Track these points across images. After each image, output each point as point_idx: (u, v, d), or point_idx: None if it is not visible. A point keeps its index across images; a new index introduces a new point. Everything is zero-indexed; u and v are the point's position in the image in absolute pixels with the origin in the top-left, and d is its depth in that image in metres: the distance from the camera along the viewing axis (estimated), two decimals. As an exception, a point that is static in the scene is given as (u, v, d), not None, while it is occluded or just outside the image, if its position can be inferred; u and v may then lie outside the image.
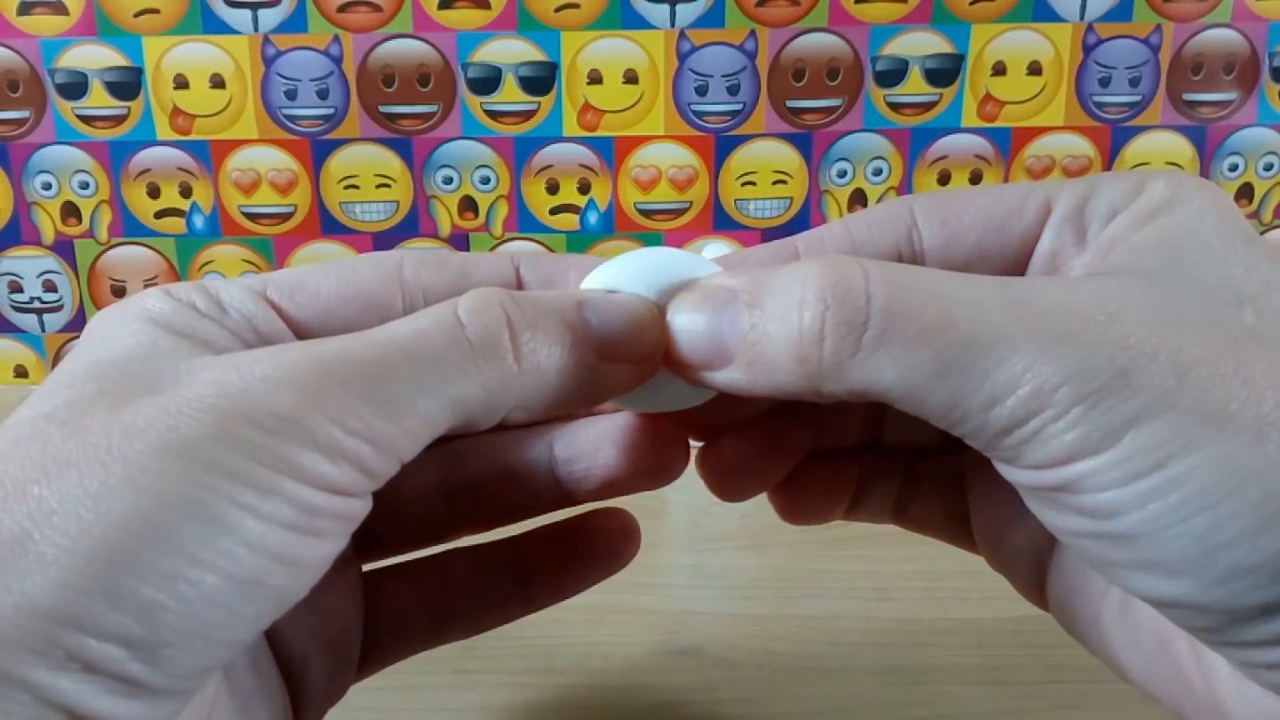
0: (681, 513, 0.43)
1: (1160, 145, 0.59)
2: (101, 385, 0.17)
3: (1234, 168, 0.59)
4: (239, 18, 0.56)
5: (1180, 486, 0.15)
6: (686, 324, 0.19)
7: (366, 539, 0.24)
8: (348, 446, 0.16)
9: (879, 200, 0.60)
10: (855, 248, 0.20)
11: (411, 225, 0.60)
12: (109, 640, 0.14)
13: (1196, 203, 0.18)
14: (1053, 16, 0.57)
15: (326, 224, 0.60)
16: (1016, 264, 0.20)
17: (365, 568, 0.25)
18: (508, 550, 0.25)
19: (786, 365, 0.17)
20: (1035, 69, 0.58)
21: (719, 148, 0.59)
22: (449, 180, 0.59)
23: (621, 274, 0.20)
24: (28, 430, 0.16)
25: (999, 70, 0.58)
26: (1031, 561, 0.23)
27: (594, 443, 0.23)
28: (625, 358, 0.19)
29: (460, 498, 0.24)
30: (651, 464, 0.23)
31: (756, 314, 0.18)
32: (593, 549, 0.25)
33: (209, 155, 0.58)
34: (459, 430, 0.18)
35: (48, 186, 0.58)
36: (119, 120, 0.57)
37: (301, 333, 0.21)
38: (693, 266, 0.20)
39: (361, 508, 0.17)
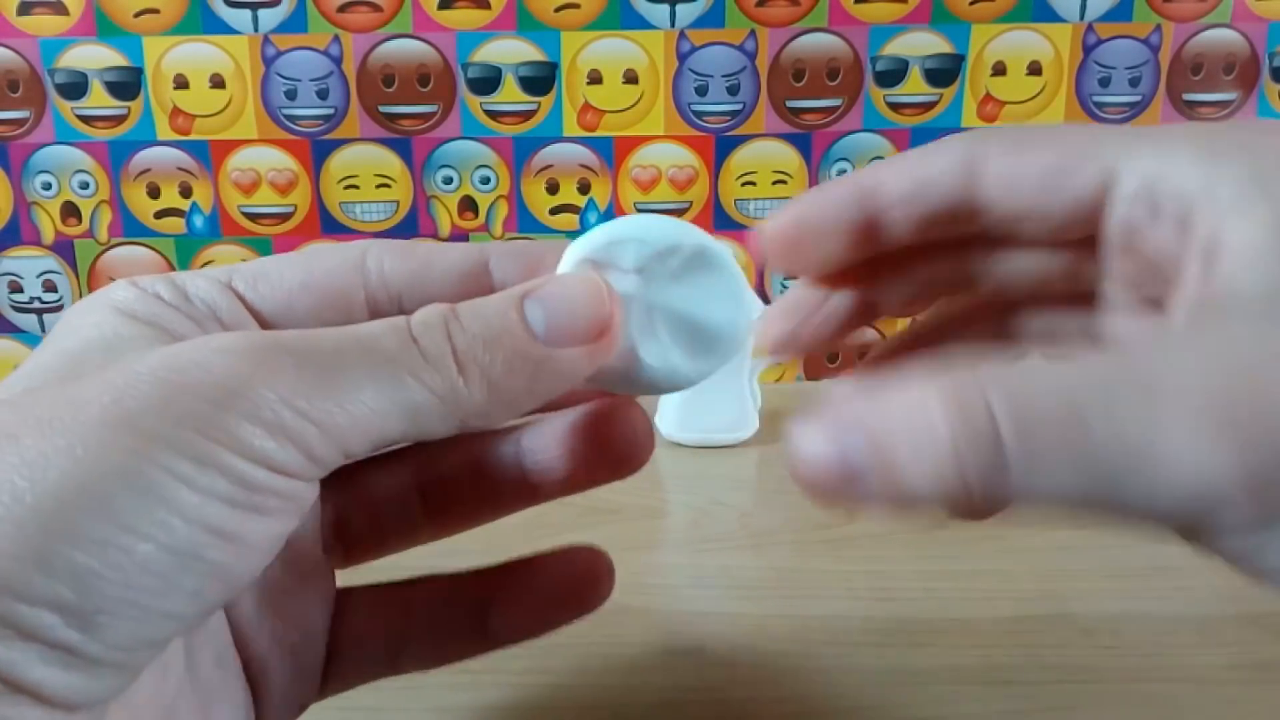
0: (681, 513, 0.43)
1: (1160, 145, 0.59)
2: (60, 371, 0.17)
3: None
4: (239, 18, 0.56)
5: None
6: (810, 453, 0.16)
7: (344, 539, 0.24)
8: (292, 425, 0.16)
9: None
10: (917, 187, 0.20)
11: (411, 225, 0.60)
12: (42, 605, 0.14)
13: None
14: (1053, 16, 0.57)
15: (326, 224, 0.60)
16: (1073, 219, 0.19)
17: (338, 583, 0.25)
18: (472, 583, 0.25)
19: (937, 500, 0.16)
20: (1035, 69, 0.58)
21: (719, 148, 0.59)
22: (449, 180, 0.59)
23: (597, 247, 0.20)
24: None
25: (999, 70, 0.58)
26: None
27: (558, 435, 0.23)
28: (574, 341, 0.19)
29: (433, 495, 0.24)
30: (614, 454, 0.23)
31: (884, 456, 0.16)
32: (558, 589, 0.25)
33: (209, 155, 0.58)
34: (416, 437, 0.18)
35: (48, 186, 0.58)
36: (119, 120, 0.57)
37: (265, 322, 0.21)
38: (672, 231, 0.20)
39: (307, 491, 0.17)
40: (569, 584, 0.25)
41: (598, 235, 0.20)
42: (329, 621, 0.24)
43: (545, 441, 0.23)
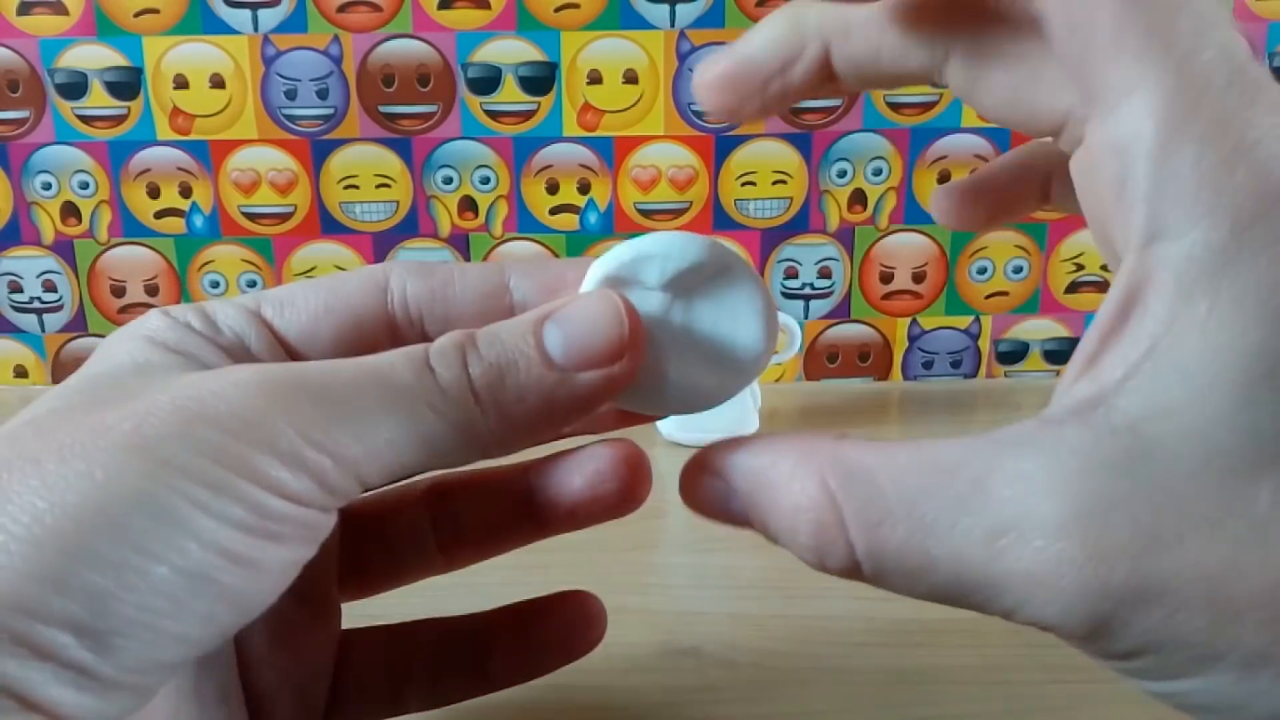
0: (681, 513, 0.43)
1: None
2: (88, 396, 0.17)
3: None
4: (239, 18, 0.56)
5: (1209, 694, 0.15)
6: (694, 503, 0.19)
7: (358, 570, 0.24)
8: (309, 457, 0.16)
9: (878, 201, 0.60)
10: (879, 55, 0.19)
11: (411, 225, 0.60)
12: (57, 626, 0.15)
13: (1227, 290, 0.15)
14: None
15: (326, 224, 0.60)
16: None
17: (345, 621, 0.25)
18: (471, 626, 0.25)
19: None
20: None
21: (719, 148, 0.59)
22: (449, 180, 0.59)
23: (621, 263, 0.20)
24: (4, 434, 0.17)
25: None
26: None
27: (564, 472, 0.23)
28: (594, 365, 0.19)
29: (445, 527, 0.24)
30: (616, 496, 0.23)
31: (762, 527, 0.18)
32: (553, 636, 0.25)
33: (209, 155, 0.58)
34: (435, 466, 0.18)
35: (48, 186, 0.58)
36: (119, 120, 0.57)
37: (290, 348, 0.21)
38: (697, 247, 0.20)
39: (324, 520, 0.17)
40: (563, 631, 0.25)
41: (622, 251, 0.20)
42: (334, 660, 0.25)
43: (552, 479, 0.23)
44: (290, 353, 0.21)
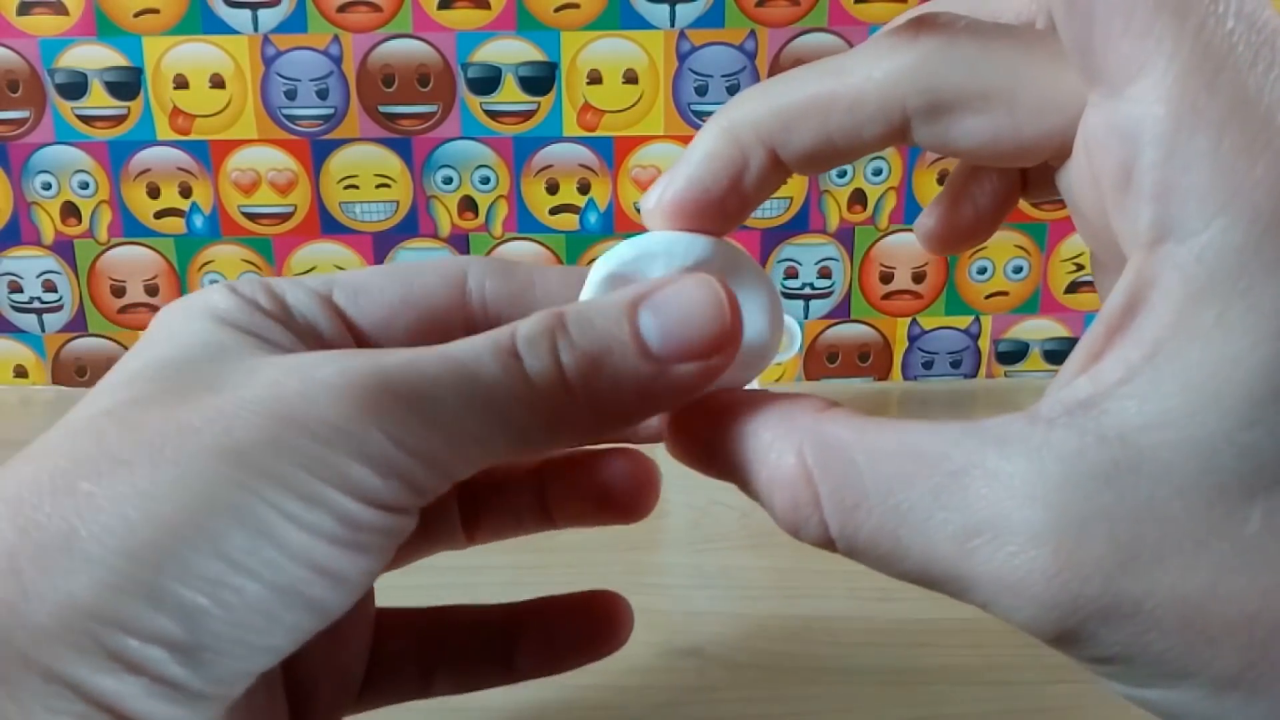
0: (681, 513, 0.43)
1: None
2: (164, 384, 0.17)
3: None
4: (239, 18, 0.56)
5: (1177, 704, 0.15)
6: (682, 456, 0.19)
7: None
8: (400, 463, 0.16)
9: (878, 201, 0.60)
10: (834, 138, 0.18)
11: (411, 225, 0.60)
12: (151, 641, 0.14)
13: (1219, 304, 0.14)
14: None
15: (326, 224, 0.60)
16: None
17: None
18: (501, 618, 0.25)
19: None
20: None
21: (719, 148, 0.59)
22: (449, 180, 0.59)
23: (624, 261, 0.19)
24: (85, 426, 0.16)
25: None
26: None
27: (576, 478, 0.23)
28: (691, 357, 0.17)
29: (466, 509, 0.24)
30: (622, 504, 0.23)
31: (745, 486, 0.18)
32: (580, 633, 0.25)
33: (209, 155, 0.58)
34: (523, 456, 0.18)
35: (48, 186, 0.58)
36: (119, 120, 0.57)
37: (362, 338, 0.20)
38: (702, 245, 0.19)
39: (407, 524, 0.17)
40: (591, 630, 0.25)
41: (625, 250, 0.20)
42: (370, 643, 0.24)
43: (564, 479, 0.23)
44: (361, 341, 0.20)
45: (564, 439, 0.18)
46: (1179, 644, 0.14)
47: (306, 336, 0.19)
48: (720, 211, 0.19)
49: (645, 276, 0.20)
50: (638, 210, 0.59)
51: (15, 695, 0.14)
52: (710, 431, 0.18)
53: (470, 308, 0.21)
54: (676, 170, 0.19)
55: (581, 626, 0.25)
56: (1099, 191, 0.16)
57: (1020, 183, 0.20)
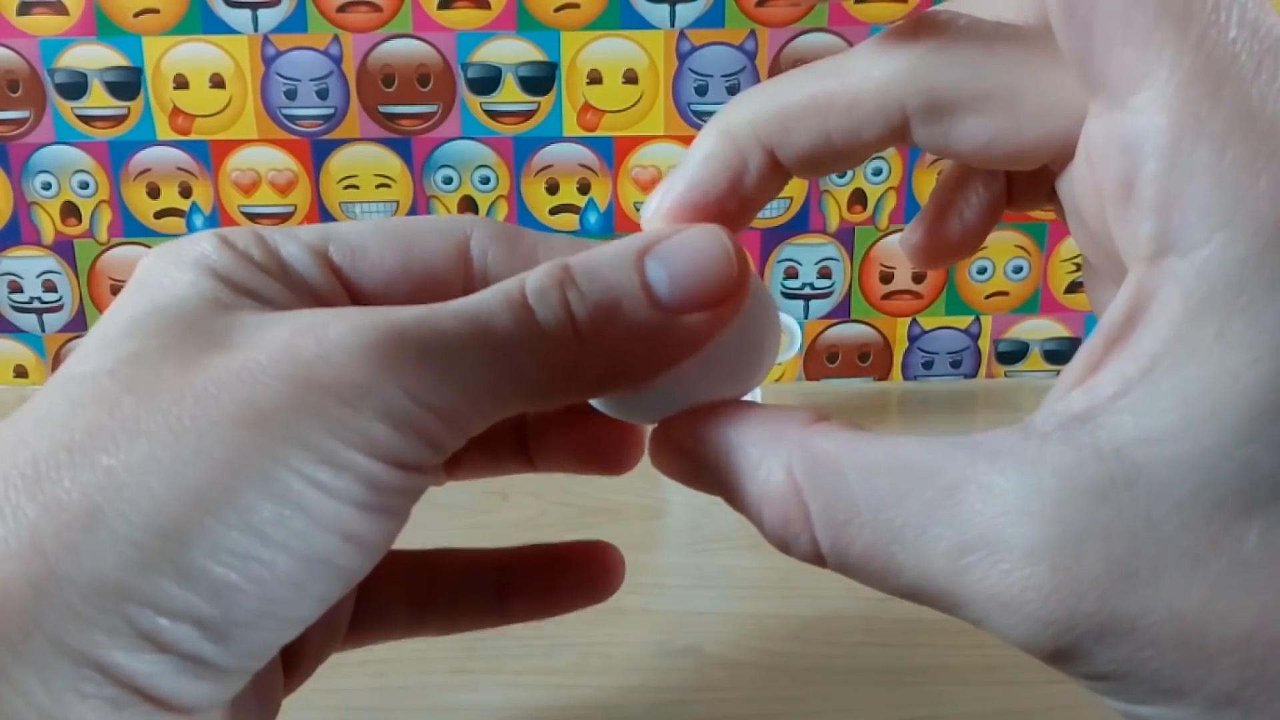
0: (681, 513, 0.43)
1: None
2: (164, 339, 0.16)
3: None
4: (239, 18, 0.56)
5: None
6: (665, 468, 0.19)
7: None
8: (419, 419, 0.16)
9: (878, 201, 0.60)
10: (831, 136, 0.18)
11: (411, 225, 0.60)
12: (181, 619, 0.14)
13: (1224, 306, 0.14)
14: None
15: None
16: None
17: None
18: (493, 562, 0.25)
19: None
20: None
21: (719, 148, 0.59)
22: (449, 180, 0.59)
23: None
24: (91, 389, 0.15)
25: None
26: None
27: (559, 420, 0.23)
28: (701, 306, 0.17)
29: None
30: (604, 454, 0.23)
31: (732, 501, 0.18)
32: (572, 579, 0.25)
33: (209, 155, 0.58)
34: (537, 407, 0.18)
35: (48, 186, 0.58)
36: (119, 120, 0.57)
37: (360, 299, 0.20)
38: None
39: (425, 483, 0.17)
40: (584, 577, 0.25)
41: None
42: (360, 584, 0.24)
43: (546, 426, 0.23)
44: (357, 300, 0.20)
45: (575, 391, 0.18)
46: (1175, 662, 0.14)
47: (302, 292, 0.19)
48: (720, 215, 0.19)
49: None
50: (638, 210, 0.59)
51: (46, 681, 0.14)
52: (696, 445, 0.18)
53: (472, 276, 0.20)
54: (676, 175, 0.19)
55: (575, 572, 0.25)
56: (1100, 200, 0.16)
57: (1006, 194, 0.20)
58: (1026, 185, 0.20)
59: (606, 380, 0.18)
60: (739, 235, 0.19)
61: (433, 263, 0.20)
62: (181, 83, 0.57)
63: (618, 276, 0.17)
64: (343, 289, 0.20)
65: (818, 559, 0.16)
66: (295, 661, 0.23)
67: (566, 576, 0.25)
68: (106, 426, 0.15)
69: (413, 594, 0.25)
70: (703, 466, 0.18)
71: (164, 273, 0.18)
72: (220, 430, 0.15)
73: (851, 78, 0.17)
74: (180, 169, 0.58)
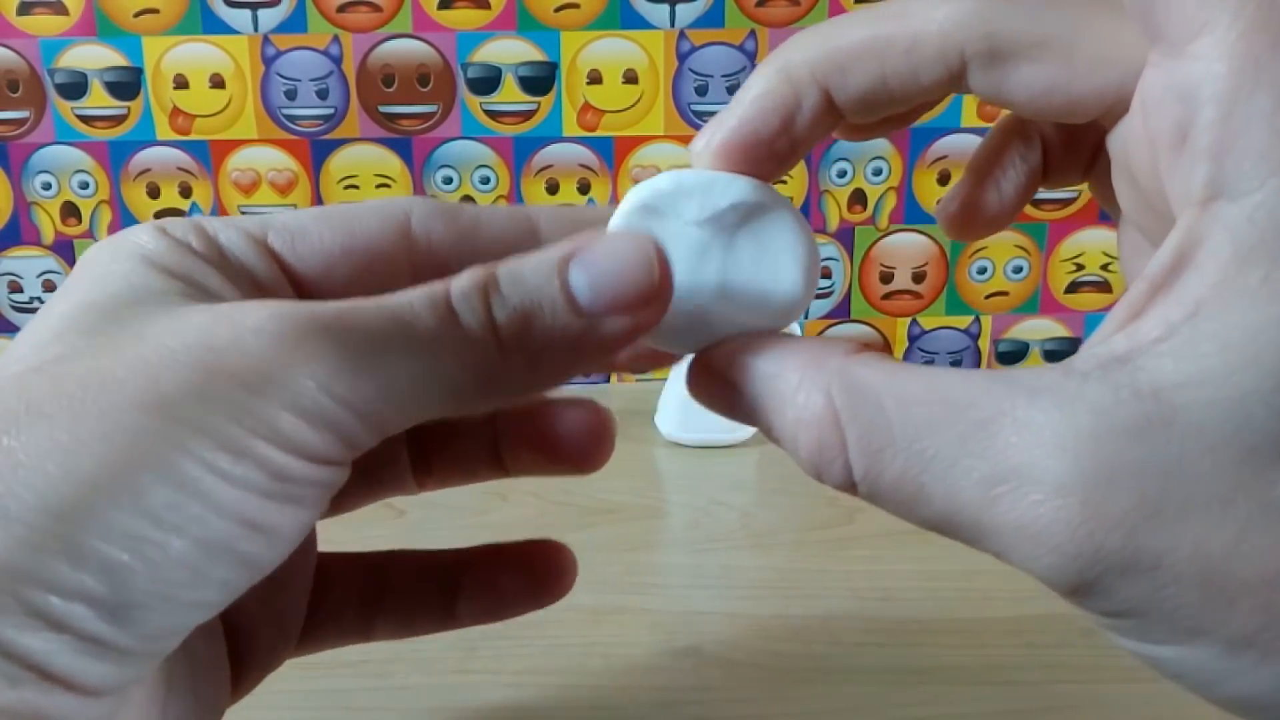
0: (681, 513, 0.43)
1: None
2: (90, 334, 0.16)
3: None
4: (239, 18, 0.56)
5: (1187, 664, 0.15)
6: (701, 397, 0.19)
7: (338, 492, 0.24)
8: (330, 413, 0.16)
9: (878, 201, 0.60)
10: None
11: (411, 225, 0.60)
12: (74, 599, 0.14)
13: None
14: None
15: (326, 224, 0.60)
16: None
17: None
18: (441, 564, 0.25)
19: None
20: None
21: (719, 148, 0.59)
22: (449, 180, 0.59)
23: (661, 193, 0.19)
24: (13, 384, 0.16)
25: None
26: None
27: (528, 423, 0.23)
28: (621, 310, 0.18)
29: (415, 455, 0.24)
30: (575, 454, 0.23)
31: (766, 430, 0.18)
32: (519, 581, 0.25)
33: (209, 155, 0.58)
34: (456, 411, 0.18)
35: (48, 186, 0.58)
36: (119, 120, 0.57)
37: (300, 284, 0.20)
38: (741, 186, 0.19)
39: (340, 476, 0.17)
40: (532, 580, 0.25)
41: (662, 182, 0.19)
42: (310, 588, 0.24)
43: (518, 427, 0.23)
44: (299, 288, 0.20)
45: (496, 394, 0.18)
46: (1197, 601, 0.14)
47: (241, 281, 0.19)
48: (770, 154, 0.19)
49: (678, 214, 0.19)
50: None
51: None
52: (735, 372, 0.18)
53: (415, 252, 0.20)
54: (727, 112, 0.19)
55: (524, 575, 0.25)
56: (1153, 152, 0.16)
57: (1043, 167, 0.20)
58: (1063, 157, 0.20)
59: (526, 384, 0.18)
60: (786, 174, 0.19)
61: (374, 243, 0.20)
62: (181, 83, 0.57)
63: (540, 282, 0.17)
64: (283, 275, 0.20)
65: (849, 486, 0.16)
66: (243, 667, 0.23)
67: (512, 578, 0.25)
68: (13, 409, 0.15)
69: (364, 596, 0.25)
70: (740, 394, 0.18)
71: (101, 264, 0.18)
72: (121, 414, 0.15)
73: (912, 21, 0.17)
74: (180, 169, 0.58)
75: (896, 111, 0.19)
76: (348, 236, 0.20)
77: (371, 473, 0.24)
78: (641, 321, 0.18)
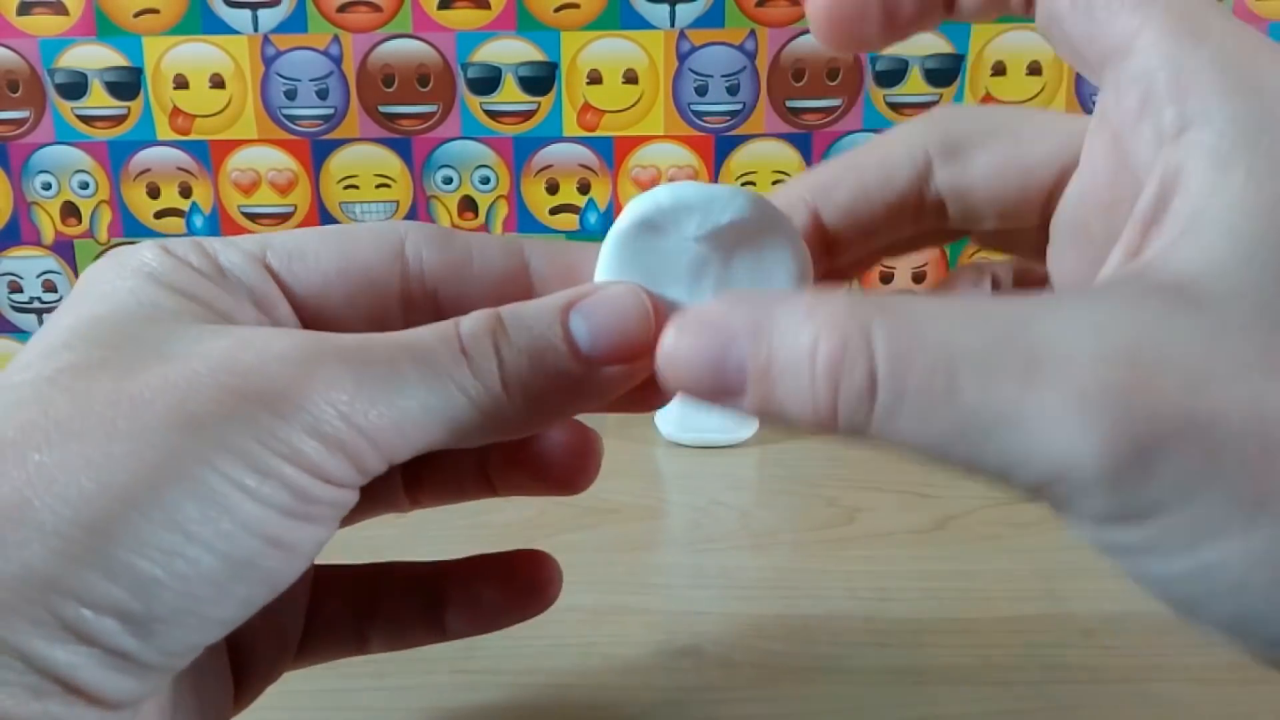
0: (681, 513, 0.43)
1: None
2: (105, 351, 0.17)
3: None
4: (239, 18, 0.56)
5: (1210, 575, 0.14)
6: (685, 352, 0.17)
7: None
8: (348, 441, 0.16)
9: (879, 200, 0.60)
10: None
11: (411, 225, 0.60)
12: (105, 612, 0.15)
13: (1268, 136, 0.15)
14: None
15: (326, 224, 0.60)
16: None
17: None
18: (428, 576, 0.25)
19: (802, 420, 0.16)
20: (1035, 69, 0.58)
21: (719, 148, 0.59)
22: (449, 180, 0.59)
23: (661, 209, 0.19)
24: (29, 393, 0.16)
25: (999, 70, 0.58)
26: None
27: (516, 444, 0.23)
28: (619, 359, 0.19)
29: (408, 474, 0.24)
30: (561, 475, 0.23)
31: (763, 367, 0.16)
32: (501, 592, 0.25)
33: (209, 155, 0.58)
34: (452, 445, 0.18)
35: (48, 186, 0.58)
36: (119, 120, 0.57)
37: (298, 304, 0.20)
38: (740, 203, 0.19)
39: (351, 498, 0.17)
40: (516, 591, 0.25)
41: (662, 196, 0.19)
42: (308, 600, 0.25)
43: (506, 451, 0.23)
44: (298, 308, 0.20)
45: (495, 432, 0.19)
46: (1257, 467, 0.13)
47: (239, 295, 0.19)
48: (873, 23, 0.18)
49: (678, 229, 0.19)
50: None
51: None
52: (728, 317, 0.16)
53: (408, 277, 0.21)
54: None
55: (507, 587, 0.25)
56: (1120, 149, 0.17)
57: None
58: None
59: (525, 424, 0.19)
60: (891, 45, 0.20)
61: (369, 265, 0.21)
62: (181, 83, 0.57)
63: (543, 329, 0.18)
64: (280, 292, 0.20)
65: (869, 391, 0.15)
66: (245, 678, 0.23)
67: (494, 591, 0.25)
68: (40, 425, 0.15)
69: (358, 609, 0.25)
70: (735, 335, 0.16)
71: (105, 280, 0.18)
72: (152, 433, 0.15)
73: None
74: (180, 169, 0.58)
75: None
76: (344, 259, 0.21)
77: (368, 491, 0.24)
78: (639, 371, 0.19)
